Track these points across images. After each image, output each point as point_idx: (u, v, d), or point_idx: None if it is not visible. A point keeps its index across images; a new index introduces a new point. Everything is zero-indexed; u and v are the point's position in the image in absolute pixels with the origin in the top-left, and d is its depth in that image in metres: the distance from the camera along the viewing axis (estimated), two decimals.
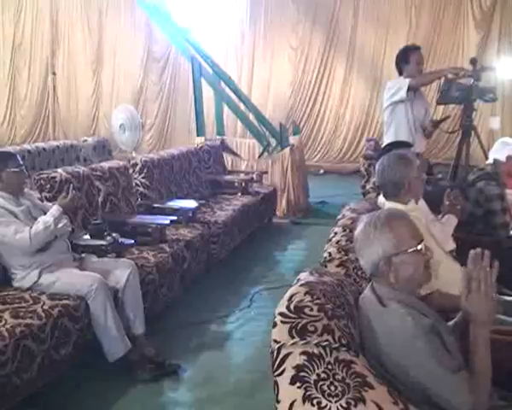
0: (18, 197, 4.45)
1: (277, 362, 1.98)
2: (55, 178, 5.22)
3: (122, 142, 11.60)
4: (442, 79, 6.32)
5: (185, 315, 5.44)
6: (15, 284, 4.34)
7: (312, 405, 1.86)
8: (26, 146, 9.37)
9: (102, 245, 4.89)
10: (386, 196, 3.78)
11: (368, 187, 7.04)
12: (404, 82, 6.02)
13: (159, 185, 6.95)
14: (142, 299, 4.61)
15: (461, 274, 2.28)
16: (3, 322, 3.69)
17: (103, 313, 4.19)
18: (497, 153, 5.31)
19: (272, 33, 15.23)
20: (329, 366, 1.93)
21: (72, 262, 4.56)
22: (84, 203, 5.46)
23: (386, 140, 6.25)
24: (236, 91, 11.04)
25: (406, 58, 6.14)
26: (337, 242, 3.36)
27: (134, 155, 9.70)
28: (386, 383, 2.03)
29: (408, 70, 6.12)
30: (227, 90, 10.81)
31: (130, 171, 6.57)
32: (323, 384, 1.89)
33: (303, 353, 1.96)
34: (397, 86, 6.09)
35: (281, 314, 2.09)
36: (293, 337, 2.00)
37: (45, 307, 3.97)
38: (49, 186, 5.14)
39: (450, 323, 2.56)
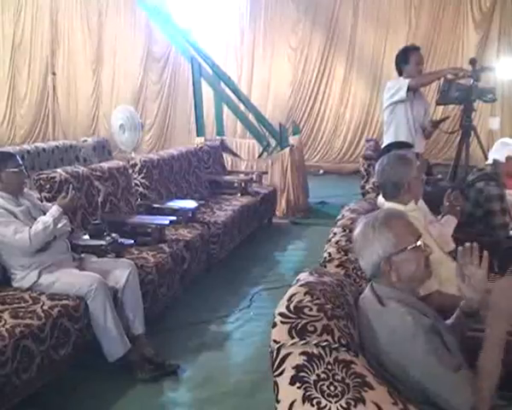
0: (17, 197, 4.45)
1: (277, 362, 1.98)
2: (54, 178, 5.21)
3: (122, 142, 11.60)
4: (442, 80, 6.33)
5: (185, 315, 5.44)
6: (15, 285, 4.34)
7: (312, 405, 1.86)
8: (26, 146, 9.39)
9: (102, 245, 4.89)
10: (385, 197, 3.78)
11: (367, 187, 7.05)
12: (404, 82, 6.02)
13: (158, 186, 6.94)
14: (142, 299, 4.61)
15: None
16: (3, 322, 3.69)
17: (103, 314, 4.19)
18: (497, 153, 5.31)
19: (272, 33, 15.23)
20: (329, 367, 1.93)
21: (71, 262, 4.56)
22: (83, 203, 5.46)
23: (385, 140, 6.26)
24: (236, 91, 11.05)
25: (406, 58, 6.15)
26: (337, 242, 3.37)
27: (133, 155, 9.70)
28: (386, 383, 2.03)
29: (408, 70, 6.12)
30: (227, 90, 10.83)
31: (130, 171, 6.56)
32: (323, 385, 1.89)
33: (303, 353, 1.96)
34: (397, 86, 6.09)
35: (280, 314, 2.09)
36: (292, 338, 2.00)
37: (45, 308, 3.97)
38: (48, 186, 5.14)
39: (449, 321, 2.57)
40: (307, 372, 1.92)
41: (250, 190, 8.49)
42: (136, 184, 6.62)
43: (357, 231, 2.50)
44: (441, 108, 10.99)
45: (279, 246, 7.94)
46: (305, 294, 2.16)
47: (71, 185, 5.05)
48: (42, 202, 4.81)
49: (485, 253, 2.36)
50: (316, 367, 1.93)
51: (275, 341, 2.03)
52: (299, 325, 2.03)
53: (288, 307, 2.10)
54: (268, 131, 10.42)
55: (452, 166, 6.73)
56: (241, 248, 7.46)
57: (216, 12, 15.07)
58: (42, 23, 16.81)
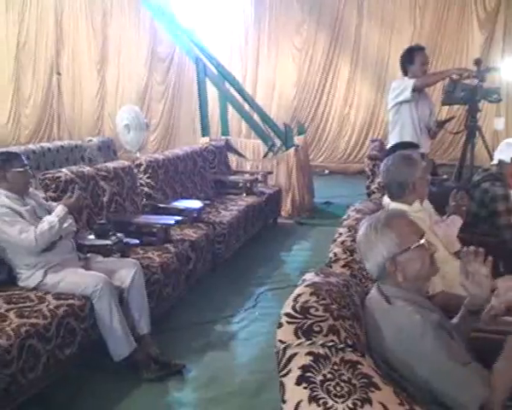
0: (23, 197, 4.46)
1: (283, 362, 1.98)
2: (59, 177, 5.23)
3: (127, 142, 11.59)
4: (447, 80, 6.33)
5: (190, 315, 5.45)
6: (21, 284, 4.35)
7: (318, 405, 1.85)
8: (31, 146, 9.39)
9: (107, 245, 4.90)
10: (390, 197, 3.78)
11: (372, 187, 7.05)
12: (409, 82, 6.02)
13: (164, 185, 6.95)
14: (148, 299, 4.62)
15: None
16: (9, 322, 3.70)
17: (108, 313, 4.20)
18: (502, 154, 5.29)
19: (276, 33, 15.21)
20: (335, 367, 1.93)
21: (77, 262, 4.57)
22: (89, 203, 5.47)
23: (390, 140, 6.27)
24: (241, 91, 11.05)
25: (411, 58, 6.15)
26: (342, 242, 3.37)
27: (138, 155, 9.70)
28: (393, 383, 2.03)
29: (412, 70, 6.13)
30: (231, 90, 10.83)
31: (135, 171, 6.57)
32: (329, 385, 1.89)
33: (309, 353, 1.96)
34: (402, 87, 6.09)
35: (286, 315, 2.09)
36: (298, 338, 2.01)
37: (50, 307, 3.98)
38: (54, 186, 5.15)
39: (453, 321, 2.57)
40: (313, 373, 1.92)
41: (255, 190, 8.49)
42: (142, 184, 6.62)
43: (360, 234, 2.51)
44: (446, 108, 10.97)
45: (284, 246, 7.94)
46: (311, 294, 2.17)
47: (76, 185, 5.07)
48: (47, 201, 4.81)
49: (490, 257, 2.37)
50: (322, 368, 1.93)
51: (281, 341, 2.03)
52: (305, 326, 2.04)
53: (294, 308, 2.11)
54: (273, 132, 10.42)
55: (457, 167, 6.73)
56: (246, 249, 7.46)
57: (220, 12, 15.06)
58: (46, 23, 16.80)
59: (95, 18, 16.43)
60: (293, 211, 9.41)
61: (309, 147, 11.80)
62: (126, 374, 4.29)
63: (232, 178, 8.82)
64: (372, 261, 2.44)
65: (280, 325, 2.08)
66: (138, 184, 6.54)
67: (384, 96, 12.82)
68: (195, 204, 6.77)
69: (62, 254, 4.48)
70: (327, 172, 14.13)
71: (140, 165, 6.73)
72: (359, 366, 1.95)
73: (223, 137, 10.40)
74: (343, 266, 3.11)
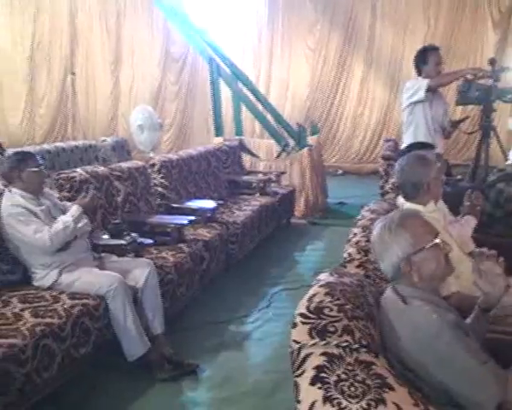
0: (38, 197, 4.48)
1: (298, 363, 1.97)
2: (74, 177, 5.25)
3: (140, 142, 11.63)
4: (461, 80, 6.31)
5: (203, 315, 5.45)
6: (35, 284, 4.37)
7: (332, 406, 1.85)
8: (46, 146, 9.46)
9: (122, 245, 4.91)
10: (405, 197, 3.77)
11: (386, 188, 7.02)
12: (423, 82, 6.01)
13: (177, 185, 6.96)
14: (161, 299, 4.63)
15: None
16: (24, 321, 3.72)
17: (123, 313, 4.21)
18: None
19: (290, 33, 15.22)
20: (349, 367, 1.93)
21: (91, 262, 4.59)
22: (103, 203, 5.48)
23: (405, 140, 6.26)
24: (254, 91, 11.06)
25: (425, 58, 6.13)
26: (356, 242, 3.36)
27: (152, 155, 9.72)
28: (407, 384, 2.02)
29: (427, 71, 6.11)
30: (245, 90, 10.84)
31: (149, 171, 6.59)
32: (344, 385, 1.88)
33: (323, 353, 1.95)
34: (416, 86, 6.07)
35: (301, 315, 2.10)
36: (313, 338, 2.01)
37: (65, 307, 4.00)
38: (68, 186, 5.17)
39: (467, 321, 2.57)
40: (328, 373, 1.91)
41: (269, 190, 8.49)
42: (156, 184, 6.64)
43: (374, 236, 2.51)
44: (460, 108, 10.95)
45: (298, 246, 7.93)
46: (326, 294, 2.17)
47: (91, 185, 5.09)
48: (62, 201, 4.83)
49: (501, 258, 2.38)
50: (336, 368, 1.92)
51: (295, 341, 2.03)
52: (320, 326, 2.04)
53: (308, 308, 2.11)
54: (286, 132, 10.42)
55: (472, 167, 6.70)
56: (259, 249, 7.46)
57: (233, 12, 15.08)
58: (61, 23, 16.88)
59: (108, 19, 16.50)
60: (306, 211, 9.40)
61: (322, 147, 11.80)
62: (140, 374, 4.30)
63: (246, 178, 8.83)
64: (387, 262, 2.43)
65: (294, 326, 2.08)
66: (152, 184, 6.55)
67: (398, 97, 12.84)
68: (209, 204, 6.78)
69: (77, 254, 4.50)
70: (340, 172, 14.12)
71: (154, 165, 6.75)
72: (373, 367, 1.95)
73: (236, 137, 10.40)
74: (357, 267, 3.10)
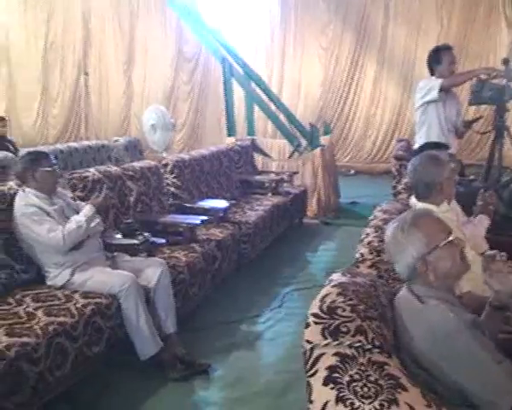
0: (51, 196, 4.50)
1: (310, 363, 1.98)
2: (87, 177, 5.27)
3: (153, 142, 11.65)
4: (474, 80, 6.28)
5: (215, 315, 5.45)
6: (49, 283, 4.39)
7: (345, 406, 1.85)
8: (59, 146, 9.51)
9: (134, 244, 4.92)
10: (418, 197, 3.76)
11: (399, 188, 7.01)
12: (436, 82, 5.98)
13: (190, 185, 6.97)
14: (174, 298, 4.63)
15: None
16: (37, 320, 3.74)
17: (135, 312, 4.22)
18: None
19: (302, 33, 15.22)
20: (362, 368, 1.92)
21: (104, 261, 4.60)
22: (116, 203, 5.50)
23: (418, 140, 6.24)
24: (267, 91, 11.06)
25: (438, 58, 6.10)
26: (369, 243, 3.36)
27: (165, 155, 9.74)
28: (421, 384, 2.02)
29: (440, 70, 6.08)
30: (257, 90, 10.84)
31: (162, 171, 6.60)
32: (356, 386, 1.88)
33: (336, 354, 1.95)
34: (428, 86, 6.05)
35: (313, 315, 2.10)
36: (325, 338, 2.01)
37: (78, 306, 4.01)
38: (81, 186, 5.19)
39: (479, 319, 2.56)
40: (340, 373, 1.91)
41: (281, 190, 8.48)
42: (168, 184, 6.65)
43: (387, 237, 2.50)
44: (473, 108, 10.90)
45: (310, 246, 7.92)
46: (338, 294, 2.17)
47: (104, 185, 5.10)
48: (75, 201, 4.85)
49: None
50: (349, 368, 1.92)
51: (308, 341, 2.03)
52: (333, 326, 2.04)
53: (320, 308, 2.11)
54: (299, 131, 10.41)
55: (485, 167, 6.67)
56: (271, 249, 7.45)
57: (246, 12, 15.09)
58: (74, 24, 16.98)
59: (122, 19, 16.56)
60: (318, 211, 9.39)
61: (335, 147, 11.78)
62: (152, 373, 4.31)
63: (258, 177, 8.83)
64: (402, 263, 2.43)
65: (307, 326, 2.08)
66: (164, 184, 6.57)
67: (410, 97, 12.79)
68: (221, 204, 6.78)
69: (90, 254, 4.51)
70: (353, 172, 14.11)
71: (166, 165, 6.76)
72: (386, 367, 1.95)
73: (249, 137, 10.39)
74: (370, 267, 3.10)
